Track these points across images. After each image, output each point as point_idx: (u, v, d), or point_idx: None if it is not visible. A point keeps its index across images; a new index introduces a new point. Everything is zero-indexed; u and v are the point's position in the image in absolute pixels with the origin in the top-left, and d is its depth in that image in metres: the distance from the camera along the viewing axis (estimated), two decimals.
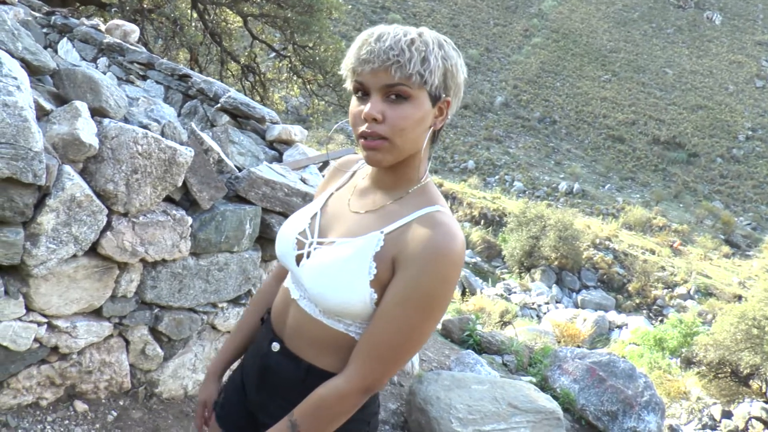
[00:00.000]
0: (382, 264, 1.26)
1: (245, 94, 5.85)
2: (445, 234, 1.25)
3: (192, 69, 12.31)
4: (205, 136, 2.83)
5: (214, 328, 3.05)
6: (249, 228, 2.91)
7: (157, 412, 2.88)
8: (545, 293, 27.29)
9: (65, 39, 6.62)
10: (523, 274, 29.05)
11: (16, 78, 1.99)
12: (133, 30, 6.62)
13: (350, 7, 14.52)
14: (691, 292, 31.71)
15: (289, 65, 15.35)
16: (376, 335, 1.25)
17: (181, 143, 2.59)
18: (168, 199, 2.61)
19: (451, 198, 36.00)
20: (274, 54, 15.80)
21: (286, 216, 3.07)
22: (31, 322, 2.31)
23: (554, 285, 29.46)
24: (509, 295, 23.95)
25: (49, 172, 2.10)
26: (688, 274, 33.04)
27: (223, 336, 3.12)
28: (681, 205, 47.46)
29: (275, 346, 1.43)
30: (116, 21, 6.64)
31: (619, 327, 26.12)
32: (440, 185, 36.22)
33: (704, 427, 17.79)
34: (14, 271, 2.22)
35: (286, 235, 1.44)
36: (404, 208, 1.33)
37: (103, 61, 6.32)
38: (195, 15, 14.38)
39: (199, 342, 3.02)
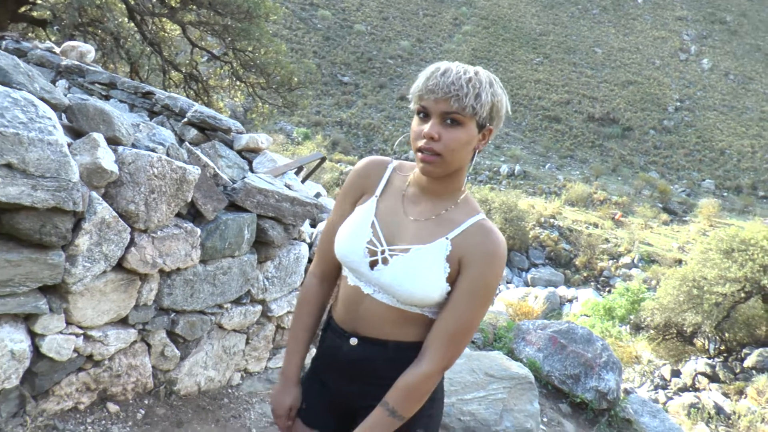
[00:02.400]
0: (452, 264, 1.62)
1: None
2: (496, 239, 1.64)
3: (132, 79, 12.36)
4: (201, 154, 3.12)
5: (221, 327, 3.36)
6: (247, 234, 3.22)
7: (178, 408, 3.18)
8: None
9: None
10: None
11: (50, 118, 2.26)
12: (89, 50, 6.78)
13: (279, 5, 14.79)
14: (635, 261, 32.84)
15: (231, 70, 15.47)
16: (450, 323, 1.60)
17: (184, 162, 2.88)
18: (176, 214, 2.90)
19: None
20: (214, 60, 15.88)
21: (277, 221, 3.38)
22: (70, 334, 2.59)
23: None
24: None
25: (83, 199, 2.38)
26: (631, 244, 34.20)
27: (228, 334, 3.43)
28: (619, 178, 48.99)
29: (353, 341, 1.70)
30: (71, 42, 6.78)
31: (570, 301, 26.94)
32: None
33: (656, 387, 18.60)
34: (55, 290, 2.48)
35: (353, 244, 1.69)
36: (458, 216, 1.67)
37: (62, 83, 6.45)
38: (133, 26, 14.36)
39: (209, 341, 3.32)
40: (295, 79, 15.58)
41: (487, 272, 1.60)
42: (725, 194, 48.71)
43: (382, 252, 1.65)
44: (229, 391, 3.58)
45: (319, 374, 1.83)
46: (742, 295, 18.90)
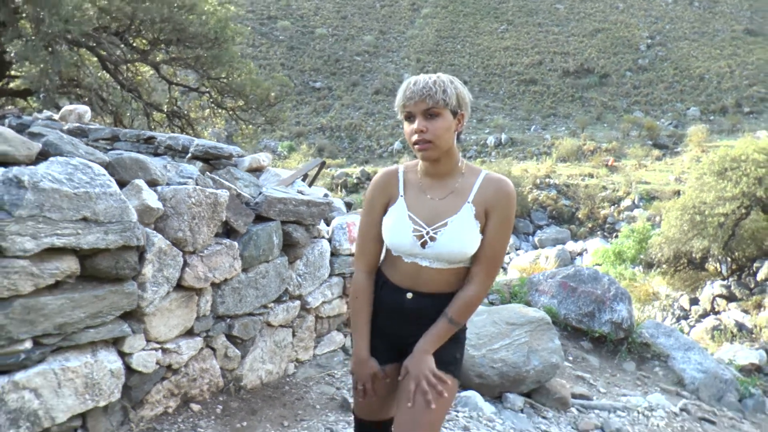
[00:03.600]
0: (480, 218, 2.16)
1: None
2: (504, 183, 2.21)
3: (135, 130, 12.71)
4: (223, 180, 3.60)
5: (269, 325, 3.85)
6: (276, 239, 3.71)
7: (248, 400, 3.67)
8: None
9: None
10: None
11: (104, 174, 2.74)
12: (86, 110, 7.23)
13: (241, 25, 15.34)
14: (636, 202, 33.21)
15: (210, 99, 15.88)
16: (489, 253, 2.16)
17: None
18: (215, 234, 3.39)
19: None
20: (192, 93, 16.27)
21: (298, 223, 3.88)
22: (151, 349, 3.08)
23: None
24: None
25: (143, 235, 2.86)
26: (628, 186, 34.59)
27: (276, 330, 3.92)
28: (605, 125, 49.44)
29: (409, 295, 2.22)
30: (68, 106, 7.23)
31: (580, 254, 27.34)
32: (375, 172, 37.03)
33: (678, 319, 19.01)
34: (133, 314, 2.97)
35: (402, 237, 2.18)
36: (468, 182, 2.21)
37: None
38: (108, 77, 14.74)
39: (262, 338, 3.82)
40: (272, 94, 16.02)
41: (506, 208, 2.15)
42: (712, 118, 49.23)
43: (428, 233, 2.16)
44: (287, 379, 4.08)
45: (378, 323, 2.32)
46: (743, 211, 19.24)
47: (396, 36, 64.88)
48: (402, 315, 2.25)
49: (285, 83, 17.66)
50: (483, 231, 2.16)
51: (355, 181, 36.75)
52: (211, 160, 5.76)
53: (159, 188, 3.10)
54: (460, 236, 2.13)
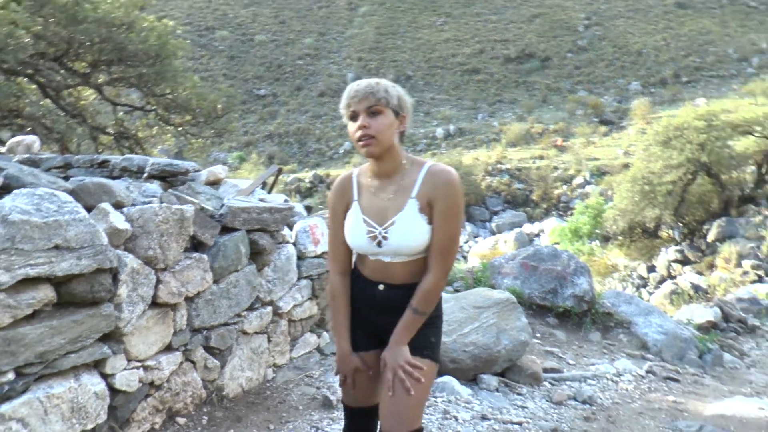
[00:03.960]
0: (425, 210, 2.25)
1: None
2: (445, 172, 2.28)
3: (64, 154, 12.48)
4: (186, 196, 3.67)
5: (244, 333, 3.93)
6: (243, 248, 3.79)
7: (232, 408, 3.75)
8: (462, 234, 28.47)
9: None
10: None
11: (71, 201, 2.79)
12: (34, 140, 7.16)
13: (181, 39, 15.31)
14: (587, 178, 33.82)
15: (157, 117, 15.72)
16: (439, 243, 2.24)
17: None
18: (184, 249, 3.45)
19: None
20: (139, 112, 16.09)
21: (263, 230, 3.96)
22: (132, 368, 3.14)
23: (467, 223, 30.73)
24: None
25: (116, 257, 2.92)
26: (578, 164, 35.18)
27: (251, 337, 4.00)
28: (551, 107, 50.19)
29: (381, 287, 2.35)
30: (15, 138, 7.15)
31: (538, 235, 27.77)
32: (327, 175, 37.14)
33: (638, 287, 19.50)
34: (112, 335, 3.02)
35: (359, 239, 2.34)
36: (411, 177, 2.31)
37: None
38: (50, 103, 14.49)
39: (239, 347, 3.89)
40: (219, 106, 15.94)
41: (448, 197, 2.23)
42: (653, 90, 50.43)
43: (380, 233, 2.29)
44: (268, 384, 4.16)
45: (357, 314, 2.46)
46: (689, 177, 19.83)
47: (336, 36, 64.82)
48: (376, 306, 2.39)
49: (230, 94, 17.58)
50: (431, 222, 2.26)
51: (308, 185, 36.69)
52: (167, 178, 5.77)
53: (125, 209, 3.15)
54: (407, 232, 2.25)
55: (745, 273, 17.33)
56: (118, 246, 3.04)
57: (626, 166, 28.20)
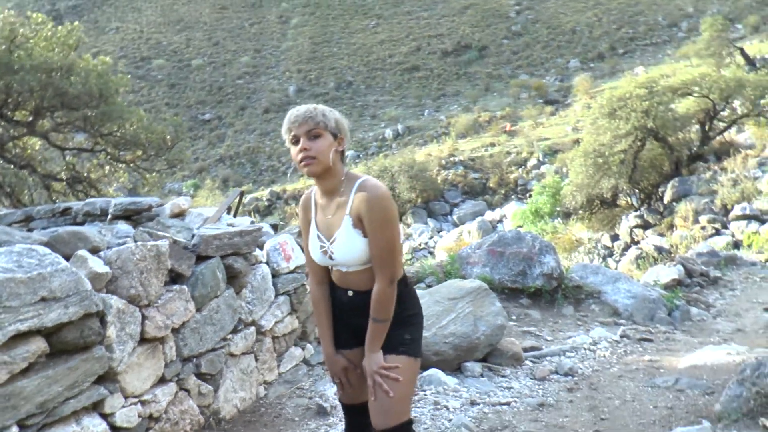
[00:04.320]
0: (358, 225, 2.42)
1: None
2: (370, 187, 2.42)
3: (18, 207, 12.28)
4: (157, 232, 3.76)
5: (232, 355, 4.04)
6: (220, 274, 3.90)
7: (230, 430, 3.86)
8: (425, 230, 28.64)
9: None
10: None
11: (50, 253, 2.87)
12: None
13: (121, 75, 15.34)
14: (540, 159, 34.28)
15: (107, 156, 15.57)
16: (376, 253, 2.41)
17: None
18: (164, 283, 3.55)
19: (299, 194, 36.79)
20: (88, 153, 15.93)
21: (236, 254, 4.07)
22: (130, 405, 3.23)
23: (428, 219, 30.94)
24: None
25: (101, 300, 3.01)
26: (530, 147, 35.69)
27: (239, 358, 4.11)
28: (495, 94, 50.85)
29: (350, 293, 2.55)
30: None
31: (500, 221, 28.10)
32: (284, 191, 37.13)
33: (604, 257, 19.91)
34: (106, 376, 3.11)
35: (316, 254, 2.57)
36: (346, 194, 2.47)
37: None
38: None
39: (228, 369, 4.00)
40: (168, 137, 15.88)
41: (372, 212, 2.37)
42: (592, 65, 51.59)
43: (328, 248, 2.51)
44: (261, 402, 4.27)
45: (338, 316, 2.65)
46: (638, 144, 20.29)
47: (272, 51, 64.66)
48: (350, 310, 2.59)
49: (177, 123, 17.53)
50: (366, 235, 2.43)
51: (266, 203, 36.55)
52: (132, 216, 5.83)
53: (102, 253, 3.24)
54: (346, 247, 2.45)
55: (703, 228, 17.84)
56: (100, 290, 3.13)
57: (576, 141, 28.64)
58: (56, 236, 3.28)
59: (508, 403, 4.61)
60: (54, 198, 15.33)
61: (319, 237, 2.55)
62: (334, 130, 2.43)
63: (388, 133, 46.49)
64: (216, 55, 64.43)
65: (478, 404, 4.55)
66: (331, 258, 2.52)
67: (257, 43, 66.37)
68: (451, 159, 36.07)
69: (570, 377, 5.22)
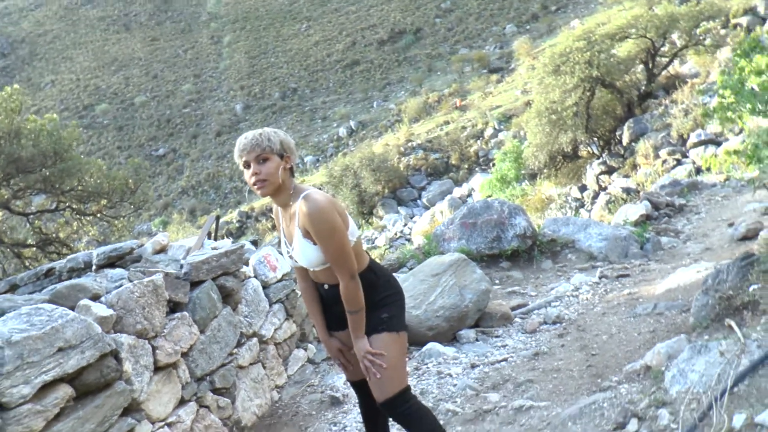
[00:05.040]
0: (308, 236, 2.70)
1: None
2: (308, 203, 2.65)
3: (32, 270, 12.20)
4: (149, 269, 3.98)
5: (241, 367, 4.27)
6: (214, 295, 4.13)
7: None
8: (398, 219, 28.89)
9: None
10: (369, 219, 30.49)
11: (57, 307, 3.08)
12: None
13: (72, 128, 15.32)
14: (496, 127, 34.77)
15: (72, 211, 15.57)
16: (329, 258, 2.70)
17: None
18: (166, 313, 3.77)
19: (267, 209, 36.88)
20: (53, 213, 15.92)
21: (227, 274, 4.30)
22: (158, 429, 3.45)
23: (399, 208, 31.19)
24: (373, 243, 25.20)
25: (113, 340, 3.23)
26: (483, 117, 36.16)
27: (248, 369, 4.35)
28: (439, 73, 51.32)
29: (326, 286, 2.87)
30: None
31: (469, 195, 28.45)
32: (252, 209, 37.20)
33: (576, 209, 20.31)
34: (131, 407, 3.32)
35: (284, 256, 2.94)
36: (294, 206, 2.74)
37: None
38: None
39: (241, 381, 4.23)
40: (130, 181, 15.93)
41: (313, 224, 2.63)
42: (528, 27, 52.62)
43: (289, 254, 2.85)
44: (277, 405, 4.52)
45: (325, 305, 2.99)
46: (588, 94, 20.79)
47: (211, 74, 64.41)
48: (328, 299, 2.92)
49: (137, 164, 17.58)
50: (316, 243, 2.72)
51: (237, 225, 36.57)
52: (116, 263, 6.02)
53: (103, 298, 3.45)
54: (301, 254, 2.76)
55: (665, 162, 18.38)
56: (108, 331, 3.34)
57: (528, 104, 29.09)
58: (56, 292, 3.48)
59: (505, 360, 4.90)
60: (27, 264, 15.25)
61: (285, 243, 2.88)
62: (280, 152, 2.67)
63: (342, 131, 46.74)
64: (157, 88, 63.98)
65: (478, 366, 4.83)
66: (295, 261, 2.85)
67: (195, 68, 66.05)
68: (409, 144, 36.37)
69: (558, 324, 5.53)
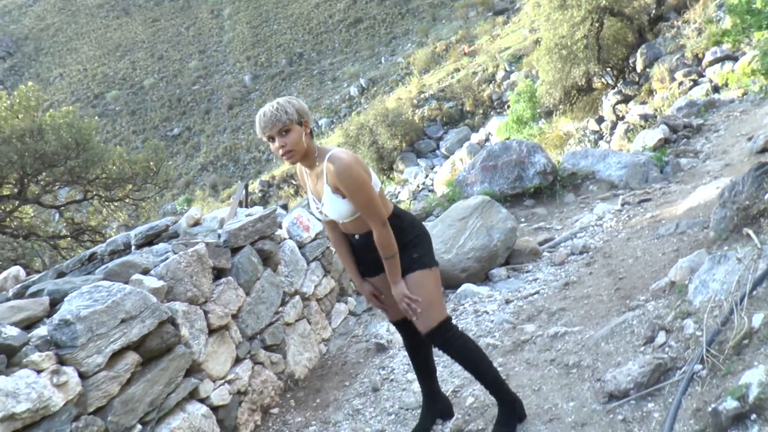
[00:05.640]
0: (337, 191, 2.90)
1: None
2: (336, 160, 2.86)
3: (30, 275, 12.48)
4: (191, 240, 4.20)
5: (288, 324, 4.52)
6: (255, 258, 4.35)
7: (308, 386, 4.37)
8: (419, 171, 28.94)
9: None
10: (390, 175, 30.59)
11: (113, 284, 3.32)
12: (18, 270, 7.53)
13: (90, 119, 15.64)
14: (507, 69, 34.50)
15: (101, 200, 15.92)
16: (360, 209, 2.89)
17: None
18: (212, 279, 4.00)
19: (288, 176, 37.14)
20: (83, 203, 16.27)
21: (264, 237, 4.52)
22: (220, 386, 3.71)
23: (419, 160, 31.25)
24: (397, 198, 25.28)
25: (167, 309, 3.47)
26: (493, 60, 35.86)
27: (295, 325, 4.60)
28: (444, 21, 50.77)
29: (356, 236, 3.09)
30: (2, 274, 7.54)
31: (487, 140, 28.42)
32: (273, 177, 37.49)
33: (596, 141, 20.26)
34: (192, 368, 3.58)
35: (314, 211, 3.10)
36: (321, 166, 2.94)
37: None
38: None
39: (289, 337, 4.48)
40: (151, 163, 16.20)
41: (344, 180, 2.82)
42: None
43: (319, 209, 3.03)
44: (326, 357, 4.78)
45: (356, 253, 3.21)
46: (597, 25, 20.51)
47: (216, 48, 64.29)
48: (360, 248, 3.15)
49: (155, 146, 17.81)
50: (345, 197, 2.89)
51: (259, 194, 36.91)
52: (153, 241, 6.27)
53: (152, 271, 3.68)
54: (331, 209, 2.96)
55: (681, 84, 18.21)
56: (162, 301, 3.58)
57: (537, 42, 28.76)
58: (108, 271, 3.71)
59: (537, 292, 5.10)
60: (64, 255, 15.64)
61: (313, 200, 3.07)
62: (298, 120, 2.82)
63: (353, 90, 46.62)
64: (164, 69, 64.03)
65: (512, 301, 5.03)
66: (326, 216, 3.05)
67: (199, 44, 65.91)
68: (422, 96, 36.27)
69: (585, 254, 5.70)
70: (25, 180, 14.00)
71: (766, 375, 2.29)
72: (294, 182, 35.56)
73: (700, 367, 2.75)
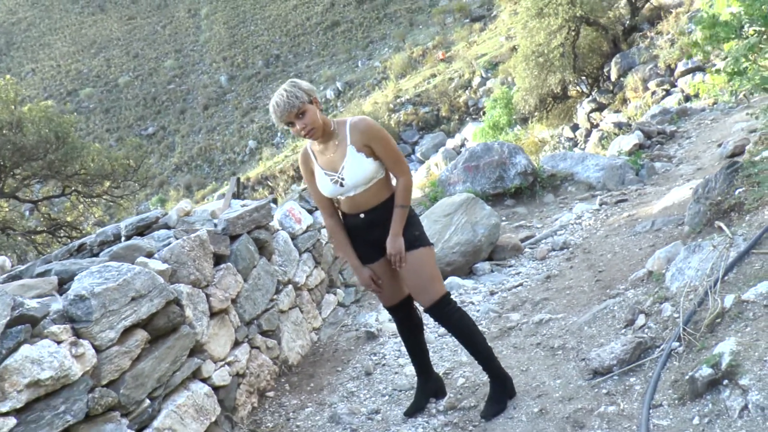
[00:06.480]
0: (362, 149, 3.11)
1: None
2: (363, 121, 3.17)
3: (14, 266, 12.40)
4: (190, 227, 4.35)
5: (282, 312, 4.68)
6: (251, 246, 4.52)
7: (302, 372, 4.53)
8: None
9: None
10: None
11: (123, 264, 3.46)
12: (5, 260, 7.59)
13: (68, 115, 15.56)
14: (483, 75, 34.90)
15: (78, 195, 15.88)
16: (391, 160, 3.16)
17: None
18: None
19: (263, 178, 37.14)
20: (60, 198, 16.23)
21: (259, 227, 4.68)
22: (220, 367, 3.86)
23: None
24: None
25: (174, 289, 3.62)
26: (470, 67, 36.23)
27: (288, 313, 4.77)
28: (421, 27, 51.09)
29: (362, 215, 3.25)
30: None
31: (462, 145, 28.75)
32: (248, 178, 37.44)
33: (570, 148, 20.62)
34: (196, 349, 3.73)
35: (327, 187, 3.22)
36: (342, 132, 3.18)
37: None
38: None
39: (283, 324, 4.65)
40: (130, 161, 16.22)
41: (376, 134, 3.13)
42: None
43: (338, 177, 3.16)
44: (317, 345, 4.96)
45: (355, 237, 3.35)
46: (573, 34, 20.93)
47: (192, 48, 64.03)
48: (364, 228, 3.30)
49: (134, 144, 17.83)
50: (373, 154, 3.12)
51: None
52: (144, 232, 6.39)
53: (156, 255, 3.83)
54: (356, 169, 3.11)
55: (654, 93, 18.67)
56: (168, 282, 3.73)
57: (513, 49, 29.15)
58: (113, 254, 3.86)
59: (520, 285, 5.32)
60: (40, 251, 15.58)
61: (326, 174, 3.19)
62: (309, 99, 3.03)
63: (330, 93, 46.79)
64: (139, 67, 63.61)
65: (497, 292, 5.25)
66: (341, 185, 3.16)
67: (175, 43, 65.60)
68: (398, 100, 36.58)
69: (566, 250, 5.95)
70: (2, 173, 13.96)
71: (736, 345, 2.53)
72: (269, 184, 35.62)
73: (677, 344, 2.98)
